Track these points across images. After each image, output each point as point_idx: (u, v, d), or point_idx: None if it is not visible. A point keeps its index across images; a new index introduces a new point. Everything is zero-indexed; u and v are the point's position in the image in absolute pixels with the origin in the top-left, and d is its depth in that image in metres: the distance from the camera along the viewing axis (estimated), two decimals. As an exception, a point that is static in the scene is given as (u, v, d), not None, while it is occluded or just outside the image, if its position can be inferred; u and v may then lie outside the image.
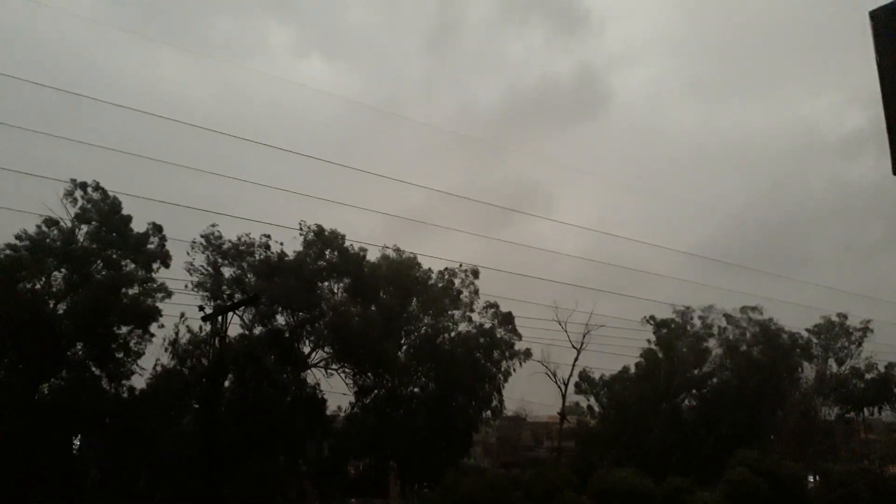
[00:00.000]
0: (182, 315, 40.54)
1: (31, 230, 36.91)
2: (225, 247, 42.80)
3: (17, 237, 36.47)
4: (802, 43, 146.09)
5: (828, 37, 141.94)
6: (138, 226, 39.49)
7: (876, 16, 5.58)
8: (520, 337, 50.53)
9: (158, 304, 39.59)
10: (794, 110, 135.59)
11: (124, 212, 39.06)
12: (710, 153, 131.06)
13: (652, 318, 59.99)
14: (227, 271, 42.84)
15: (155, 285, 39.59)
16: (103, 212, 38.38)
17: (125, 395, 38.84)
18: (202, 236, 42.17)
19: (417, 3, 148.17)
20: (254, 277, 42.67)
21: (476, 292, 49.29)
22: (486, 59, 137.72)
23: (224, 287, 42.18)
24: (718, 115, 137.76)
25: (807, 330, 61.56)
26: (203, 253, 42.22)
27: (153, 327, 39.42)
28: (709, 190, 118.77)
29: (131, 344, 38.64)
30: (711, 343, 60.06)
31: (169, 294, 39.92)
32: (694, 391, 59.24)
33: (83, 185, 38.22)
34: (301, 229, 44.44)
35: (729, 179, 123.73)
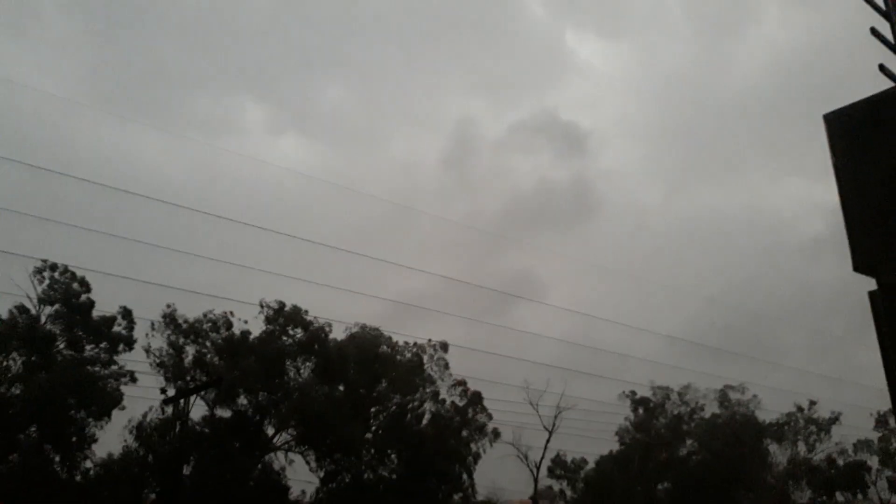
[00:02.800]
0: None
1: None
2: (184, 327, 41.94)
3: None
4: (767, 143, 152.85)
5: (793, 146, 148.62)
6: (106, 304, 39.01)
7: (829, 119, 5.84)
8: (490, 416, 49.85)
9: (122, 388, 38.77)
10: (761, 211, 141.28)
11: (93, 290, 38.52)
12: (688, 244, 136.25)
13: (632, 392, 59.75)
14: (190, 350, 41.91)
15: (117, 368, 38.71)
16: (69, 293, 37.87)
17: (79, 479, 37.35)
18: (162, 317, 41.28)
19: (439, 122, 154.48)
20: (216, 357, 41.80)
21: (446, 366, 48.76)
22: (494, 170, 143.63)
23: (186, 368, 41.17)
24: (697, 211, 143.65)
25: (777, 417, 61.77)
26: (163, 334, 41.31)
27: (114, 411, 38.35)
28: (687, 277, 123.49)
29: (86, 429, 37.37)
30: (690, 425, 59.93)
31: (133, 379, 39.12)
32: (670, 475, 58.54)
33: (53, 267, 37.84)
34: (262, 306, 43.69)
35: (707, 268, 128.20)
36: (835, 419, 60.21)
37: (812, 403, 60.78)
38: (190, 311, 42.22)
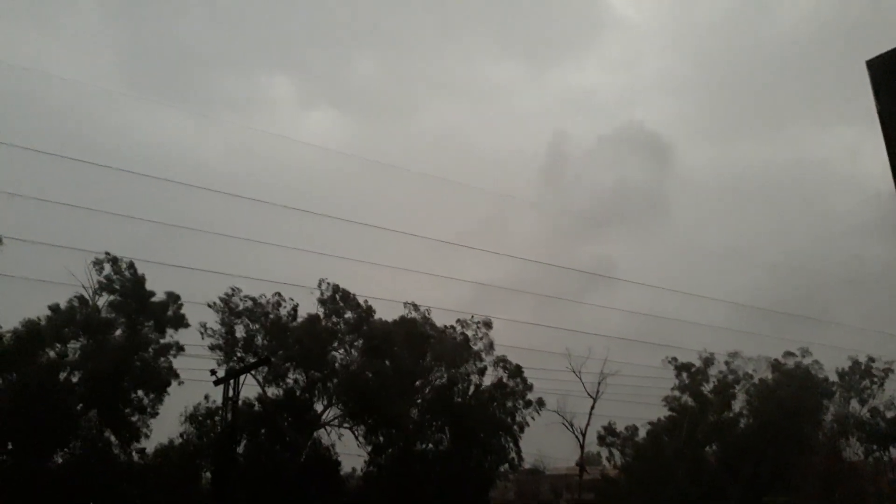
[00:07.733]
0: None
1: (57, 300, 37.52)
2: (240, 308, 42.94)
3: (51, 308, 37.11)
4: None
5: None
6: (155, 290, 39.99)
7: (873, 65, 5.69)
8: (530, 387, 50.04)
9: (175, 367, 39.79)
10: (811, 166, 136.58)
11: (141, 274, 39.52)
12: (742, 207, 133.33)
13: (674, 359, 59.09)
14: (241, 332, 42.87)
15: (166, 341, 39.71)
16: (126, 282, 38.94)
17: (138, 460, 38.59)
18: (220, 299, 42.44)
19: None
20: (266, 337, 42.71)
21: (491, 345, 48.99)
22: (581, 176, 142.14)
23: (237, 349, 42.12)
24: (747, 170, 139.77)
25: (835, 373, 60.57)
26: (218, 314, 42.35)
27: (173, 387, 39.51)
28: (746, 241, 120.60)
29: (147, 406, 38.49)
30: (737, 388, 59.25)
31: (181, 348, 40.09)
32: (718, 438, 58.15)
33: (113, 259, 38.89)
34: (320, 287, 44.84)
35: (765, 230, 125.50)
36: (887, 369, 58.86)
37: (871, 360, 59.42)
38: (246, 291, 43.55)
